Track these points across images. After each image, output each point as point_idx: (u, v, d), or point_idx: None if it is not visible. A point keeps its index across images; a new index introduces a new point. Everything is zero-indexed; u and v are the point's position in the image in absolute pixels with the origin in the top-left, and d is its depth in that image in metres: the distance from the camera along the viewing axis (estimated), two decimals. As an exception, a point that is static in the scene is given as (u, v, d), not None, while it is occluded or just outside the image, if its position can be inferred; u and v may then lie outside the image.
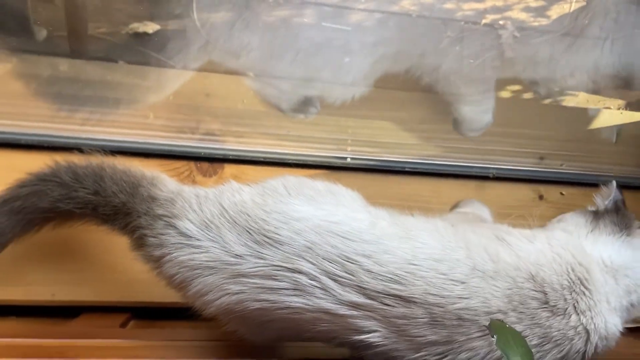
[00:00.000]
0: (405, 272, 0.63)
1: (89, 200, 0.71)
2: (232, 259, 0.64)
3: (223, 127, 0.97)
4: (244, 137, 0.98)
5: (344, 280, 0.62)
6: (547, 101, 1.14)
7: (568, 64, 1.08)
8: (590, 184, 0.90)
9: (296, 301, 0.63)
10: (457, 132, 1.08)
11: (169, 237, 0.66)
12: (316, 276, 0.62)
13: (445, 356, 0.64)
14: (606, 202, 0.81)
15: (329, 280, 0.62)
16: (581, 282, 0.69)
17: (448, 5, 1.05)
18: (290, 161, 0.98)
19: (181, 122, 0.96)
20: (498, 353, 0.61)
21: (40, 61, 0.94)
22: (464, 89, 1.07)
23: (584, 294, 0.69)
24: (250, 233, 0.64)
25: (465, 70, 1.06)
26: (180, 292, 0.68)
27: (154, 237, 0.67)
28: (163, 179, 0.73)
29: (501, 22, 1.06)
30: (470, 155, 1.05)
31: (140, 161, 0.92)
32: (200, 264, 0.65)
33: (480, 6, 1.05)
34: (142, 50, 0.98)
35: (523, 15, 1.07)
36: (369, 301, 0.62)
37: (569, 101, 1.15)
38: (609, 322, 0.70)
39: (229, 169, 0.95)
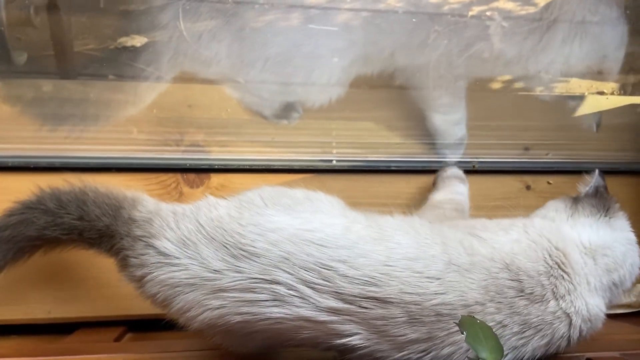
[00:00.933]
0: (380, 273, 0.63)
1: (74, 226, 0.72)
2: (211, 275, 0.64)
3: (207, 137, 0.98)
4: (229, 146, 0.99)
5: (321, 287, 0.63)
6: (539, 90, 1.14)
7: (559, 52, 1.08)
8: (577, 171, 0.89)
9: (276, 312, 0.63)
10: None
11: (148, 257, 0.67)
12: (294, 285, 0.63)
13: (428, 353, 0.64)
14: (587, 189, 0.83)
15: (307, 288, 0.63)
16: (559, 266, 0.70)
17: (434, 0, 1.05)
18: (276, 167, 0.99)
19: (165, 135, 0.97)
20: None
21: (23, 83, 0.95)
22: (434, 92, 1.07)
23: (563, 277, 0.69)
24: (227, 247, 0.65)
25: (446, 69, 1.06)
26: (164, 310, 0.69)
27: (135, 257, 0.68)
28: (142, 199, 0.74)
29: (488, 14, 1.06)
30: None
31: (127, 176, 0.93)
32: (180, 281, 0.65)
33: (466, -2, 1.05)
34: (132, 64, 0.99)
35: (510, 5, 1.07)
36: (346, 305, 0.63)
37: (561, 88, 1.14)
38: (590, 303, 0.70)
39: (216, 178, 0.96)
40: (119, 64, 0.99)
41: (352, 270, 0.63)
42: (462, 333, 0.55)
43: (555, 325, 0.68)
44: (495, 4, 1.06)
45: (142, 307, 0.88)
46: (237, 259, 0.64)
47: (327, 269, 0.63)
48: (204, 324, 0.65)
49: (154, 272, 0.67)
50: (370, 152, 1.02)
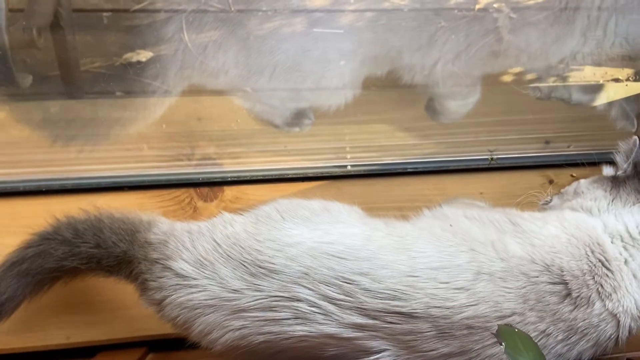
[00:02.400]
0: (404, 286, 0.61)
1: (92, 254, 0.71)
2: (231, 295, 0.63)
3: (219, 150, 0.97)
4: (241, 157, 0.97)
5: (343, 302, 0.61)
6: (552, 80, 1.11)
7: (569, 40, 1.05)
8: (600, 162, 0.86)
9: (299, 330, 0.61)
10: (430, 117, 1.05)
11: (166, 279, 0.66)
12: (315, 302, 0.61)
13: None
14: (625, 166, 0.75)
15: (329, 304, 0.61)
16: (602, 263, 0.66)
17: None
18: (290, 176, 0.97)
19: (176, 150, 0.95)
20: None
21: (30, 106, 0.94)
22: (453, 87, 1.05)
23: (607, 276, 0.65)
24: (245, 266, 0.63)
25: (456, 64, 1.03)
26: (186, 333, 0.68)
27: (154, 280, 0.67)
28: (157, 221, 0.72)
29: (495, 6, 1.04)
30: (472, 148, 1.03)
31: (139, 194, 0.92)
32: (199, 303, 0.64)
33: (472, -9, 1.03)
34: (139, 80, 0.98)
35: (518, -5, 1.04)
36: (371, 321, 0.61)
37: (574, 77, 1.11)
38: (638, 300, 0.66)
39: (229, 191, 0.95)
40: (125, 80, 0.98)
41: (374, 283, 0.61)
42: (500, 344, 0.52)
43: (601, 328, 0.64)
44: (502, -5, 1.04)
45: (163, 327, 0.86)
46: (256, 277, 0.62)
47: (348, 283, 0.61)
48: (227, 345, 0.64)
49: (172, 295, 0.65)
50: (385, 155, 1.00)
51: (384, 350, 0.61)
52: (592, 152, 1.04)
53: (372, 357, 0.62)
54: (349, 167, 0.99)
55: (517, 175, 1.01)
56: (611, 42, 1.05)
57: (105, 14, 0.95)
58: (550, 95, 1.09)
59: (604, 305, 0.64)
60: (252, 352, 0.64)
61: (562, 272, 0.64)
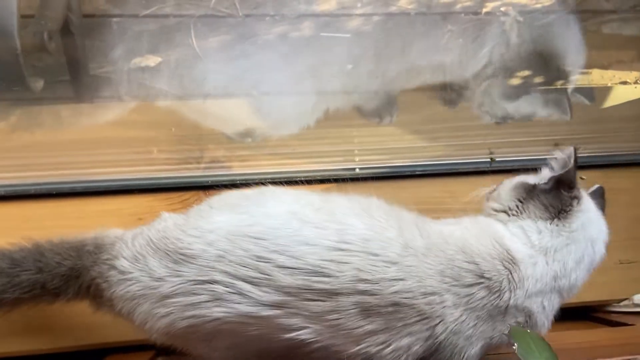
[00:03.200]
0: (327, 260, 0.61)
1: (35, 280, 0.71)
2: (155, 283, 0.64)
3: (228, 153, 0.97)
4: (250, 161, 0.98)
5: (259, 281, 0.61)
6: (559, 83, 1.11)
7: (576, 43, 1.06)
8: (610, 164, 0.86)
9: (217, 311, 0.62)
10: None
11: (112, 277, 0.68)
12: (231, 282, 0.62)
13: (389, 345, 0.62)
14: (547, 179, 0.75)
15: (245, 284, 0.61)
16: (510, 259, 0.67)
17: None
18: (298, 179, 0.96)
19: (185, 153, 0.96)
20: (441, 337, 0.60)
21: (42, 110, 0.95)
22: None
23: (514, 265, 0.67)
24: (168, 254, 0.65)
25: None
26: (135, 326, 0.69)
27: (104, 281, 0.69)
28: (110, 229, 0.74)
29: (502, 9, 1.04)
30: (481, 151, 1.02)
31: (149, 197, 0.93)
32: (134, 294, 0.66)
33: (479, -5, 1.04)
34: (147, 84, 0.99)
35: (524, -1, 1.05)
36: (289, 298, 0.61)
37: (582, 80, 1.11)
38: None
39: (238, 194, 0.95)
40: (134, 85, 0.99)
41: (292, 259, 0.61)
42: (513, 345, 0.52)
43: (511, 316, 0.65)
44: (509, -1, 1.04)
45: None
46: (178, 263, 0.64)
47: (263, 262, 0.62)
48: (160, 333, 0.66)
49: (115, 290, 0.67)
50: (393, 158, 1.00)
51: (303, 328, 0.61)
52: (601, 154, 1.04)
53: (291, 334, 0.61)
54: (357, 170, 0.99)
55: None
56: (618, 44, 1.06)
57: (114, 19, 0.96)
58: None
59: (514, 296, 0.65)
60: (185, 339, 0.66)
61: (474, 256, 0.65)
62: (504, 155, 1.03)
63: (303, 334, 0.62)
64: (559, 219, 0.72)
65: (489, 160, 1.02)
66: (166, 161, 0.95)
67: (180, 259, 0.64)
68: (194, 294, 0.63)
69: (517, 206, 0.74)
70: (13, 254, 0.72)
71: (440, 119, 1.04)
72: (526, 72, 1.10)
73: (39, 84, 0.91)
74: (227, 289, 0.62)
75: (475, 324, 0.63)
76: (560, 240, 0.71)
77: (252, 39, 0.99)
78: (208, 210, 0.69)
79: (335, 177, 0.98)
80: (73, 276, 0.71)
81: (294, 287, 0.60)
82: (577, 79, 1.11)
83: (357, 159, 1.00)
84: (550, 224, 0.71)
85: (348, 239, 0.62)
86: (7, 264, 0.71)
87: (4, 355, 0.86)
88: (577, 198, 0.73)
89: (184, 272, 0.63)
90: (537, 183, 0.75)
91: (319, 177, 0.97)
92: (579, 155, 0.98)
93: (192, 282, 0.63)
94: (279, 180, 0.95)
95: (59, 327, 0.87)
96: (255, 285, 0.61)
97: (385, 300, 0.60)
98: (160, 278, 0.64)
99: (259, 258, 0.62)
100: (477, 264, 0.65)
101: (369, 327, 0.61)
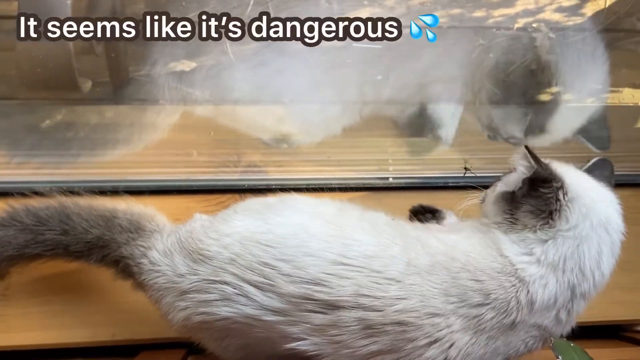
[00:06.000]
0: (329, 274, 0.62)
1: (59, 241, 0.73)
2: (178, 279, 0.68)
3: (264, 158, 0.99)
4: (285, 166, 0.99)
5: (264, 286, 0.63)
6: (590, 101, 1.11)
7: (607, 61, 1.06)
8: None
9: (225, 310, 0.65)
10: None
11: (143, 265, 0.71)
12: (238, 284, 0.64)
13: None
14: (519, 186, 0.69)
15: (251, 287, 0.64)
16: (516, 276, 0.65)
17: (478, 14, 1.05)
18: (332, 186, 0.98)
19: (223, 157, 0.98)
20: None
21: (87, 110, 0.98)
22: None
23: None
24: (190, 253, 0.68)
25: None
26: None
27: (135, 265, 0.72)
28: (152, 212, 0.77)
29: (534, 25, 1.04)
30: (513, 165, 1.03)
31: (187, 198, 0.95)
32: (160, 286, 0.70)
33: (511, 11, 1.04)
34: (182, 89, 1.01)
35: (556, 16, 1.05)
36: (289, 307, 0.62)
37: (612, 98, 1.11)
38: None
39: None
40: (169, 89, 1.01)
41: (295, 269, 0.63)
42: (557, 358, 0.53)
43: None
44: (541, 16, 1.05)
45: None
46: (196, 262, 0.67)
47: (269, 268, 0.64)
48: (179, 325, 0.69)
49: (145, 278, 0.71)
50: (426, 169, 1.01)
51: (303, 339, 0.62)
52: (633, 173, 1.03)
53: (292, 344, 0.63)
54: (390, 179, 1.00)
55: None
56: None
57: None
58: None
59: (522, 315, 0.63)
60: (199, 332, 0.71)
61: (478, 273, 0.64)
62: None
63: (303, 345, 0.63)
64: (553, 219, 0.66)
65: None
66: (205, 164, 0.97)
67: (199, 258, 0.67)
68: (207, 292, 0.66)
69: (507, 219, 0.70)
70: (39, 211, 0.74)
71: (475, 132, 1.04)
72: (555, 89, 1.10)
73: (87, 85, 0.94)
74: (235, 290, 0.65)
75: (487, 343, 0.63)
76: (567, 245, 0.65)
77: (285, 47, 1.00)
78: (232, 214, 0.72)
79: (368, 186, 0.99)
80: (98, 245, 0.74)
81: (295, 296, 0.62)
82: (607, 97, 1.11)
83: (391, 168, 1.01)
84: (549, 229, 0.66)
85: (351, 254, 0.63)
86: (32, 220, 0.73)
87: (42, 346, 0.88)
88: (561, 189, 0.67)
89: (200, 271, 0.67)
90: (514, 190, 0.70)
91: (352, 185, 0.98)
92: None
93: (206, 281, 0.66)
94: (313, 186, 0.98)
95: (95, 322, 0.89)
96: (260, 289, 0.64)
97: (389, 319, 0.60)
98: (181, 274, 0.68)
99: (266, 264, 0.64)
100: (483, 283, 0.63)
101: (374, 347, 0.61)
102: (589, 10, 1.05)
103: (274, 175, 0.98)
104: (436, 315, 0.61)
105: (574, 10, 1.05)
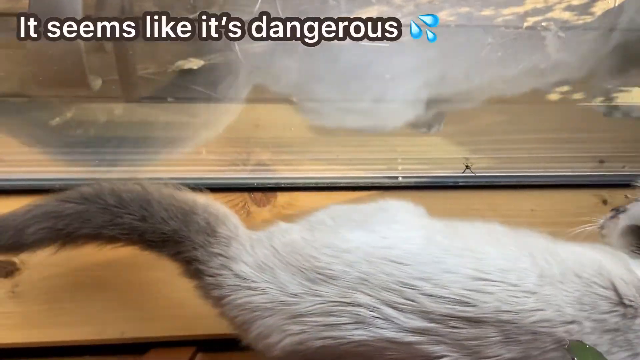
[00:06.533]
0: (471, 290, 0.60)
1: (136, 227, 0.69)
2: (290, 299, 0.63)
3: (273, 157, 0.99)
4: (294, 165, 0.99)
5: (404, 307, 0.60)
6: (599, 100, 1.11)
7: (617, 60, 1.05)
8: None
9: (358, 334, 0.61)
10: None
11: (224, 278, 0.67)
12: (375, 307, 0.61)
13: None
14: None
15: (389, 308, 0.61)
16: None
17: (486, 12, 1.04)
18: (341, 184, 0.98)
19: (233, 155, 0.98)
20: None
21: (96, 108, 0.98)
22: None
23: None
24: (303, 272, 0.64)
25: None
26: (243, 334, 0.68)
27: (211, 276, 0.67)
28: (229, 216, 0.72)
29: (544, 24, 1.04)
30: (524, 164, 1.02)
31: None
32: (258, 305, 0.64)
33: (520, 10, 1.04)
34: (190, 87, 1.01)
35: (566, 15, 1.04)
36: (434, 325, 0.60)
37: (622, 98, 1.11)
38: None
39: (282, 197, 0.96)
40: (177, 87, 1.02)
41: (437, 288, 0.60)
42: (572, 359, 0.52)
43: None
44: (550, 14, 1.04)
45: (214, 328, 0.88)
46: (315, 282, 0.63)
47: (409, 288, 0.61)
48: (285, 351, 0.64)
49: (231, 295, 0.66)
50: (436, 168, 1.01)
51: (445, 356, 0.61)
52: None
53: None
54: (400, 179, 0.99)
55: (570, 193, 1.00)
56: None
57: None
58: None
59: None
60: (309, 357, 0.64)
61: (612, 279, 0.63)
62: (547, 170, 1.02)
63: None
64: None
65: (533, 175, 1.02)
66: (214, 162, 0.97)
67: (318, 278, 0.63)
68: (333, 315, 0.62)
69: (635, 252, 0.70)
70: (122, 193, 0.71)
71: (484, 131, 1.04)
72: (565, 88, 1.10)
73: (97, 83, 0.94)
74: (372, 312, 0.61)
75: (611, 341, 0.62)
76: None
77: (294, 45, 1.00)
78: (334, 226, 0.68)
79: (378, 185, 0.98)
80: (174, 240, 0.69)
81: (439, 315, 0.60)
82: (617, 97, 1.10)
83: (400, 167, 1.00)
84: None
85: (487, 269, 0.62)
86: (114, 201, 0.70)
87: (51, 344, 0.88)
88: None
89: (323, 291, 0.62)
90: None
91: (361, 184, 0.98)
92: (625, 173, 0.98)
93: (332, 303, 0.62)
94: (322, 185, 0.98)
95: (104, 320, 0.89)
96: (400, 311, 0.60)
97: (524, 330, 0.60)
98: (295, 294, 0.63)
99: (403, 284, 0.61)
100: (615, 289, 0.63)
101: (507, 355, 0.60)
102: (599, 9, 1.05)
103: (283, 174, 0.98)
104: (570, 323, 0.61)
105: (583, 8, 1.04)
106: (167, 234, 0.69)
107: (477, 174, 1.00)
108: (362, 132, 1.02)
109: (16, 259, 0.88)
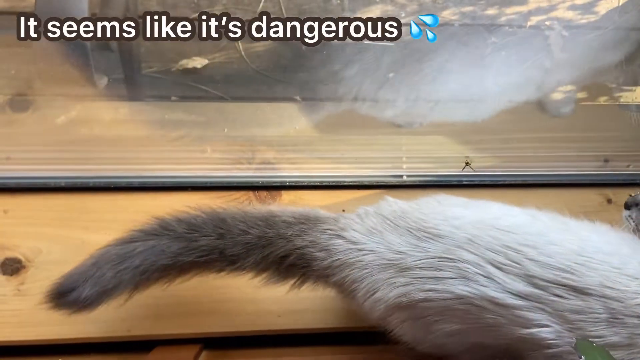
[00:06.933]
0: (576, 263, 0.60)
1: (215, 246, 0.71)
2: (397, 256, 0.66)
3: (278, 155, 0.99)
4: (299, 163, 0.99)
5: (509, 268, 0.61)
6: (603, 100, 1.11)
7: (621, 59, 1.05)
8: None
9: (461, 289, 0.62)
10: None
11: (337, 246, 0.69)
12: (480, 264, 0.62)
13: None
14: None
15: (493, 268, 0.61)
16: None
17: (490, 11, 1.04)
18: (346, 183, 0.98)
19: (237, 154, 0.98)
20: None
21: (101, 106, 0.98)
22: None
23: None
24: (410, 232, 0.67)
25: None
26: (350, 295, 0.70)
27: (320, 251, 0.70)
28: (310, 209, 0.76)
29: (547, 23, 1.04)
30: (528, 163, 1.03)
31: (201, 194, 0.94)
32: (368, 263, 0.67)
33: (524, 9, 1.04)
34: (194, 86, 1.01)
35: (570, 14, 1.05)
36: (537, 291, 0.60)
37: (626, 97, 1.11)
38: None
39: (287, 195, 0.97)
40: (181, 86, 1.02)
41: (542, 256, 0.61)
42: (580, 358, 0.52)
43: None
44: (554, 14, 1.05)
45: (218, 325, 0.90)
46: (422, 240, 0.65)
47: (515, 252, 0.62)
48: (389, 304, 0.66)
49: (343, 258, 0.69)
50: (441, 167, 1.01)
51: (546, 325, 0.60)
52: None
53: (531, 330, 0.60)
54: (404, 177, 1.00)
55: (575, 192, 1.01)
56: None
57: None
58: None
59: None
60: (412, 314, 0.66)
61: None
62: (552, 169, 1.03)
63: (543, 332, 0.61)
64: None
65: (537, 173, 1.02)
66: (219, 160, 0.97)
67: (424, 236, 0.65)
68: (439, 269, 0.63)
69: None
70: (190, 219, 0.73)
71: (489, 130, 1.04)
72: (569, 87, 1.10)
73: (103, 81, 0.94)
74: (476, 269, 0.62)
75: None
76: None
77: (297, 44, 1.00)
78: (439, 204, 0.72)
79: (382, 184, 0.99)
80: (259, 245, 0.71)
81: (544, 280, 0.60)
82: (620, 96, 1.10)
83: (404, 166, 1.01)
84: None
85: (590, 249, 0.62)
86: (184, 228, 0.72)
87: (57, 341, 0.89)
88: None
89: (429, 248, 0.65)
90: None
91: (366, 183, 0.98)
92: (630, 172, 0.98)
93: (438, 259, 0.64)
94: (327, 184, 0.98)
95: (110, 317, 0.89)
96: (504, 272, 0.61)
97: (631, 311, 0.59)
98: (401, 252, 0.66)
99: (509, 247, 0.62)
100: None
101: (612, 338, 0.59)
102: (603, 8, 1.05)
103: (288, 172, 0.98)
104: None
105: (587, 8, 1.04)
106: (250, 242, 0.71)
107: (481, 173, 1.00)
108: (367, 131, 1.02)
109: (21, 257, 0.89)
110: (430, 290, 0.64)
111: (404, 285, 0.65)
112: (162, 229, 0.72)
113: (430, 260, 0.64)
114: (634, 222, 0.76)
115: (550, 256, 0.61)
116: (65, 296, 0.71)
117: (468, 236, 0.63)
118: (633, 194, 1.01)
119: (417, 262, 0.64)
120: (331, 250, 0.70)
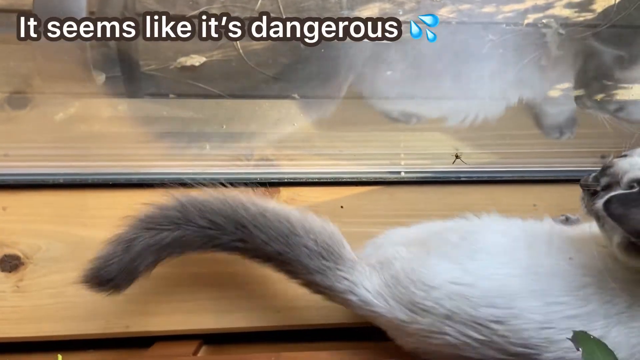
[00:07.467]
0: (539, 339, 0.65)
1: (236, 247, 0.76)
2: (401, 323, 0.73)
3: (276, 152, 0.99)
4: (297, 160, 0.99)
5: (484, 342, 0.68)
6: (599, 97, 1.11)
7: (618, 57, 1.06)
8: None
9: (451, 350, 0.70)
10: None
11: (351, 302, 0.75)
12: (460, 338, 0.69)
13: None
14: None
15: (471, 340, 0.68)
16: None
17: (487, 9, 1.05)
18: (344, 179, 0.98)
19: (236, 150, 0.98)
20: None
21: (100, 103, 0.98)
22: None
23: None
24: (406, 304, 0.72)
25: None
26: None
27: (337, 297, 0.76)
28: (332, 231, 0.78)
29: (544, 21, 1.04)
30: (526, 160, 1.03)
31: (199, 191, 0.94)
32: (381, 322, 0.76)
33: (520, 7, 1.04)
34: (191, 83, 1.01)
35: (566, 12, 1.05)
36: (508, 358, 0.67)
37: (622, 94, 1.11)
38: None
39: (285, 192, 0.97)
40: (179, 83, 1.02)
41: (509, 333, 0.66)
42: (577, 349, 0.53)
43: None
44: (551, 11, 1.05)
45: (218, 322, 0.90)
46: (415, 313, 0.71)
47: (485, 328, 0.67)
48: (409, 348, 0.75)
49: (355, 309, 0.76)
50: (439, 163, 1.01)
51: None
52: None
53: None
54: (402, 174, 1.00)
55: (573, 188, 1.00)
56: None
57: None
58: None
59: None
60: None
61: None
62: (549, 165, 1.03)
63: None
64: None
65: (535, 169, 1.02)
66: (217, 157, 0.98)
67: (415, 309, 0.71)
68: (432, 338, 0.71)
69: None
70: (209, 215, 0.76)
71: (486, 127, 1.04)
72: (566, 85, 1.10)
73: (101, 78, 0.95)
74: (458, 341, 0.69)
75: None
76: None
77: (295, 42, 1.00)
78: (426, 256, 0.74)
79: (380, 180, 0.99)
80: (279, 260, 0.76)
81: (513, 354, 0.66)
82: (617, 94, 1.10)
83: (402, 162, 1.01)
84: None
85: (554, 317, 0.66)
86: (206, 223, 0.75)
87: (55, 337, 0.89)
88: None
89: (421, 321, 0.71)
90: None
91: (364, 179, 0.98)
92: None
93: (428, 331, 0.71)
94: (325, 180, 0.98)
95: (108, 313, 0.89)
96: (481, 343, 0.68)
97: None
98: (404, 321, 0.72)
99: (481, 325, 0.68)
100: None
101: None
102: (599, 6, 1.05)
103: (286, 169, 0.98)
104: None
105: (584, 6, 1.05)
106: (270, 255, 0.76)
107: (478, 169, 1.01)
108: (365, 127, 1.03)
109: (20, 254, 0.89)
110: (433, 352, 0.72)
111: (413, 343, 0.73)
112: (186, 220, 0.75)
113: (423, 331, 0.71)
114: (585, 207, 0.78)
115: (515, 333, 0.66)
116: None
117: (447, 313, 0.69)
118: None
119: (416, 331, 0.71)
120: (346, 301, 0.75)
